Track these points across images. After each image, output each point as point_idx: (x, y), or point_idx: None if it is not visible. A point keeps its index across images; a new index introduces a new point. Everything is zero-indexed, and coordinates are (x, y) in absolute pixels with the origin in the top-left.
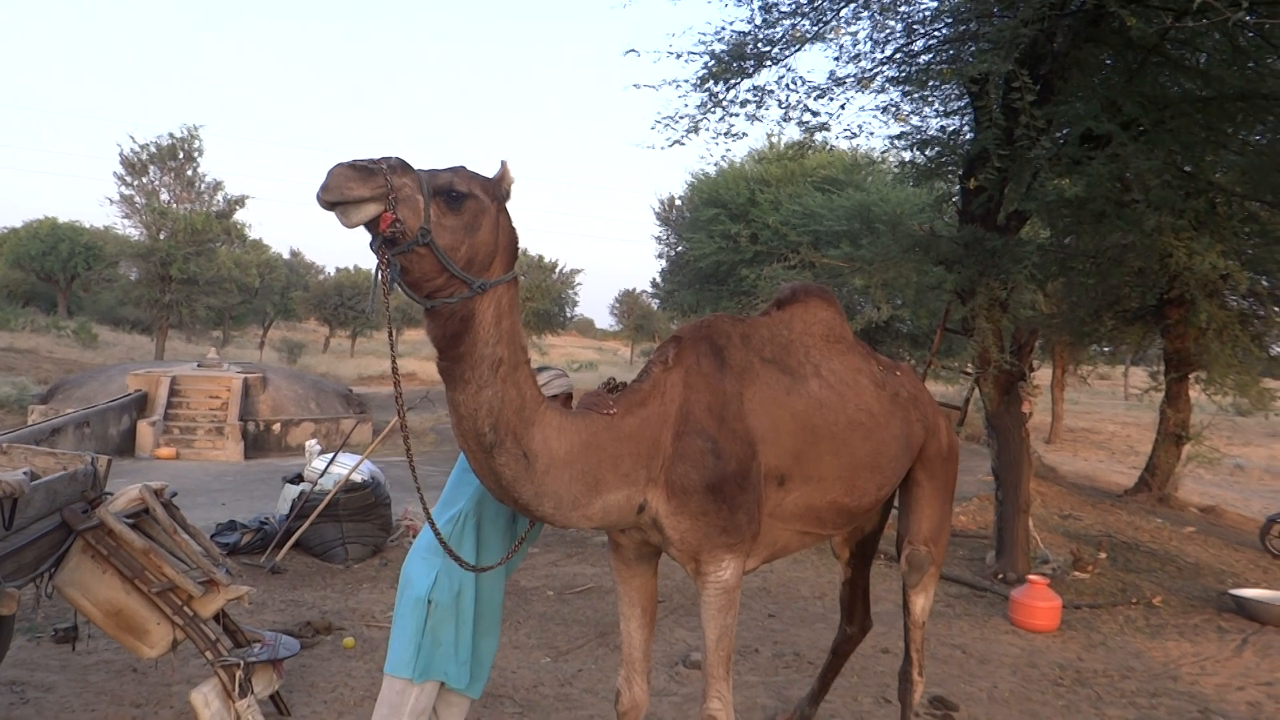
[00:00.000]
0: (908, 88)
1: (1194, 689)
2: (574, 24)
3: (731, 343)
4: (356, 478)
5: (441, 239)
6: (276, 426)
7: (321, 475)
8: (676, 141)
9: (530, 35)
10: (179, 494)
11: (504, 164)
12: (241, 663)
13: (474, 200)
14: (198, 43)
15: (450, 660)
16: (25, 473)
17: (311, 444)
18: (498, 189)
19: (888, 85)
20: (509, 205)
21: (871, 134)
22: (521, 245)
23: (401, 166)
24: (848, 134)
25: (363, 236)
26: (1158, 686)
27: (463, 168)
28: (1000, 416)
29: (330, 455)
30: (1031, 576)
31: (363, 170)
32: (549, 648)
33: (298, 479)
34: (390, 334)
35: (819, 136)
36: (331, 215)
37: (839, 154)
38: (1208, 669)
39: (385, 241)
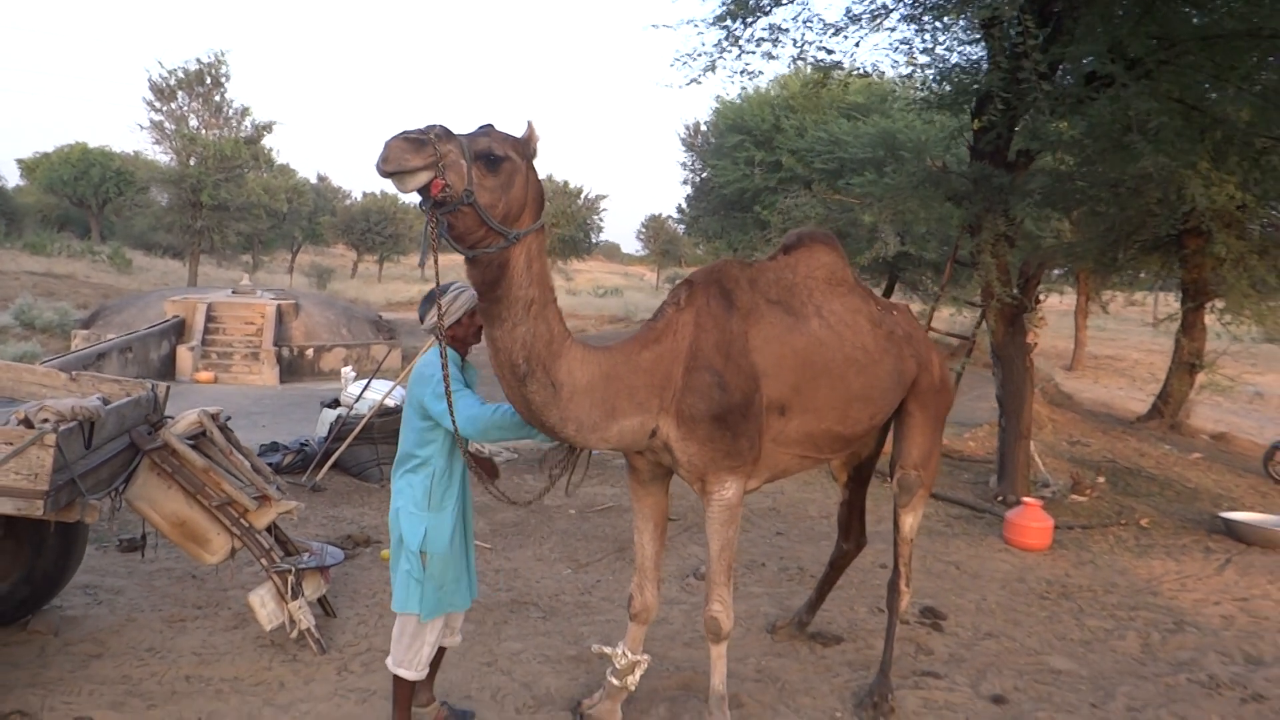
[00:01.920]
0: (918, 26)
1: (1172, 603)
2: None
3: (739, 286)
4: (389, 402)
5: (482, 198)
6: (309, 352)
7: (356, 400)
8: (694, 80)
9: None
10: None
11: (530, 124)
12: (293, 569)
13: (509, 162)
14: None
15: (454, 594)
16: (99, 398)
17: (347, 371)
18: (526, 148)
19: (900, 23)
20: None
21: (883, 74)
22: (547, 172)
23: (446, 135)
24: (860, 72)
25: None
26: (1138, 600)
27: (493, 128)
28: (1005, 346)
29: (365, 381)
30: (1026, 499)
31: (415, 142)
32: (570, 560)
33: (334, 404)
34: (437, 283)
35: (835, 75)
36: (388, 182)
37: (864, 80)
38: (1188, 585)
39: (435, 203)
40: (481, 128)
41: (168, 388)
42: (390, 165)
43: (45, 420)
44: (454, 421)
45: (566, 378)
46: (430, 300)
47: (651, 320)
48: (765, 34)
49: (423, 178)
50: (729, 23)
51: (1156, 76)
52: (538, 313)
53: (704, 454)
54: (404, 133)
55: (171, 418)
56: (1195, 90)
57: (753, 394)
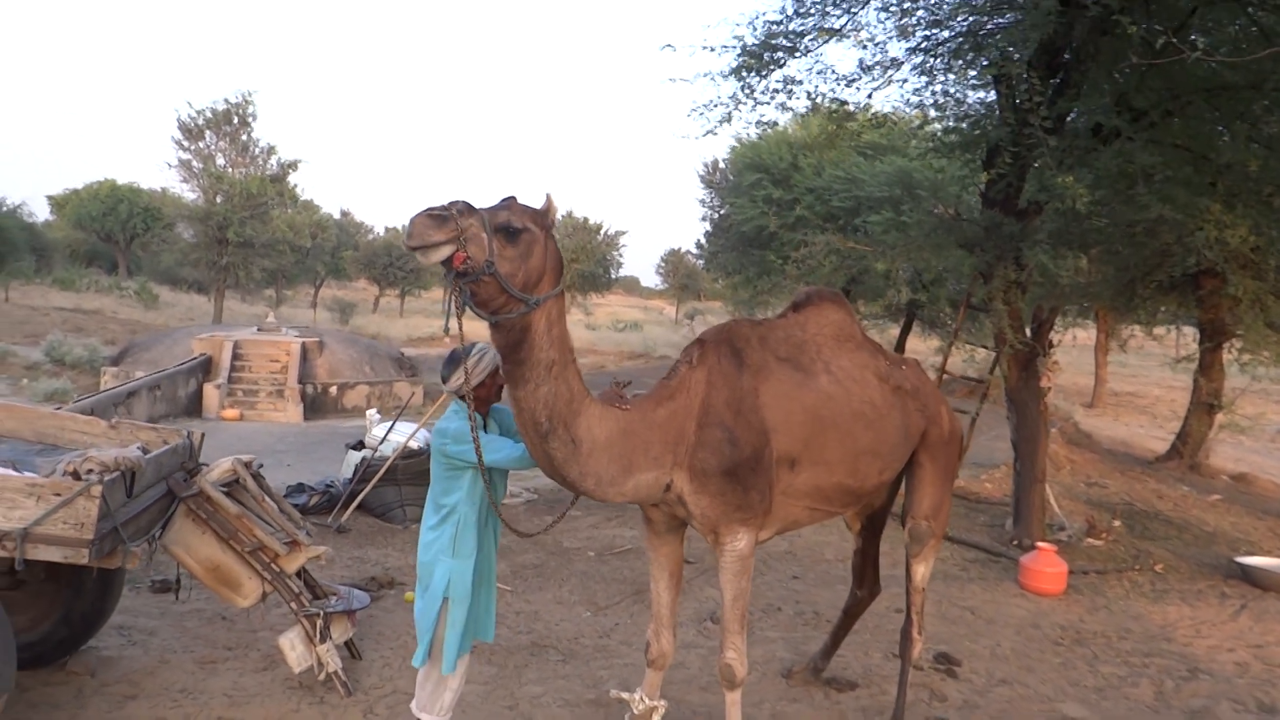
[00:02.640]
0: (929, 79)
1: (1186, 650)
2: None
3: (749, 344)
4: (413, 444)
5: (503, 268)
6: (333, 389)
7: (381, 442)
8: (710, 131)
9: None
10: (247, 453)
11: (549, 197)
12: (321, 613)
13: (528, 233)
14: (252, 12)
15: (473, 633)
16: (139, 448)
17: (372, 413)
18: (545, 219)
19: (910, 74)
20: (554, 232)
21: (898, 120)
22: (567, 208)
23: (468, 209)
24: (874, 119)
25: (414, 206)
26: (1152, 647)
27: (514, 200)
28: (1019, 391)
29: (389, 423)
30: (1040, 543)
31: (438, 218)
32: (589, 603)
33: (359, 445)
34: (462, 344)
35: (848, 125)
36: (415, 252)
37: (880, 118)
38: (1203, 632)
39: (458, 274)
40: (503, 201)
41: (203, 435)
42: (415, 240)
43: (90, 471)
44: (479, 454)
45: (586, 434)
46: (453, 362)
47: (665, 378)
48: (779, 85)
49: (445, 251)
50: (744, 75)
51: (1162, 128)
52: (558, 373)
53: (716, 507)
54: (428, 209)
55: (206, 464)
56: (1202, 139)
57: (763, 448)
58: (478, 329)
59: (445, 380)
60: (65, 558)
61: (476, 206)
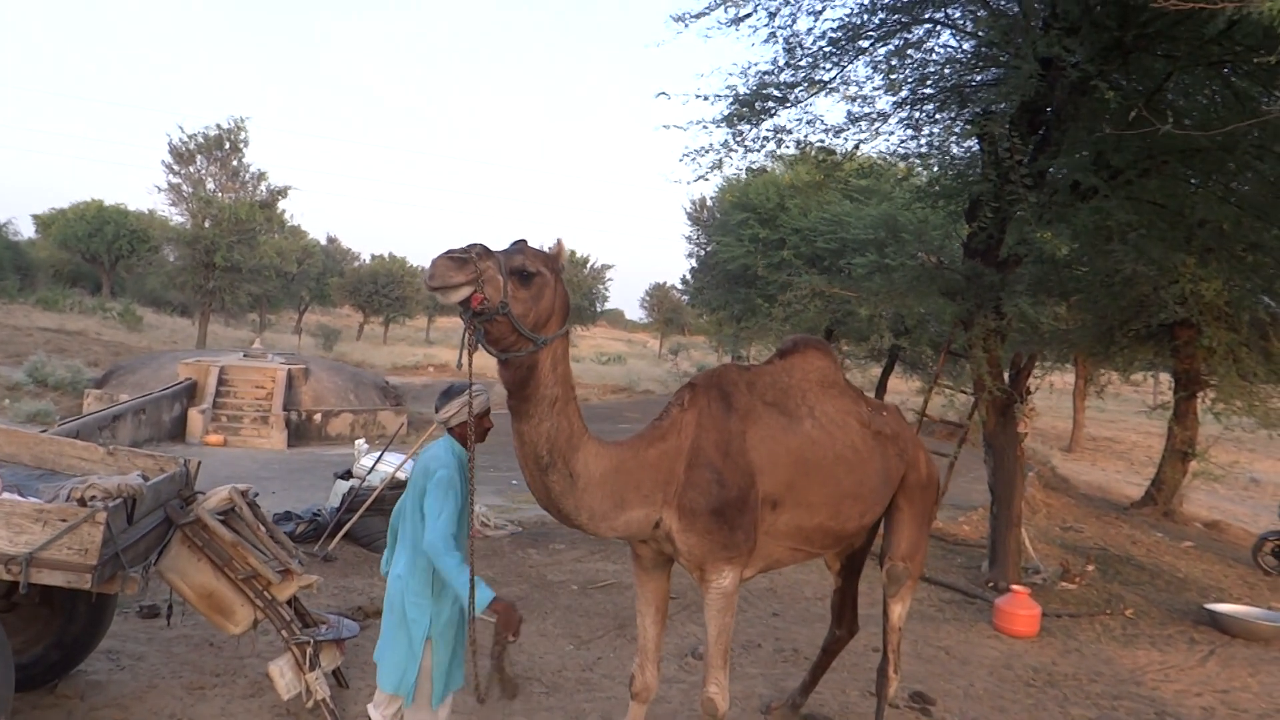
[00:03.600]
0: (914, 132)
1: (1155, 694)
2: (610, 18)
3: (738, 389)
4: (401, 475)
5: (515, 309)
6: (317, 417)
7: (369, 472)
8: (701, 177)
9: (570, 32)
10: (231, 480)
11: (559, 242)
12: (312, 641)
13: (540, 276)
14: (243, 37)
15: (457, 671)
16: (139, 475)
17: (360, 443)
18: (555, 263)
19: (897, 127)
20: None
21: (881, 171)
22: (555, 239)
23: (486, 253)
24: (860, 172)
25: (401, 232)
26: (1121, 690)
27: (526, 244)
28: (997, 436)
29: (378, 453)
30: (1015, 586)
31: (458, 260)
32: (573, 637)
33: (347, 475)
34: (470, 386)
35: (834, 175)
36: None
37: (866, 166)
38: (1171, 676)
39: (475, 314)
40: (515, 244)
41: (199, 464)
42: (436, 281)
43: (94, 498)
44: (427, 531)
45: (583, 469)
46: (448, 395)
47: (657, 419)
48: (770, 133)
49: (464, 292)
50: (736, 123)
51: (1138, 185)
52: (561, 409)
53: (703, 545)
54: (449, 252)
55: (201, 492)
56: (1177, 197)
57: (749, 489)
58: (484, 365)
59: (437, 411)
60: (69, 582)
61: (494, 250)
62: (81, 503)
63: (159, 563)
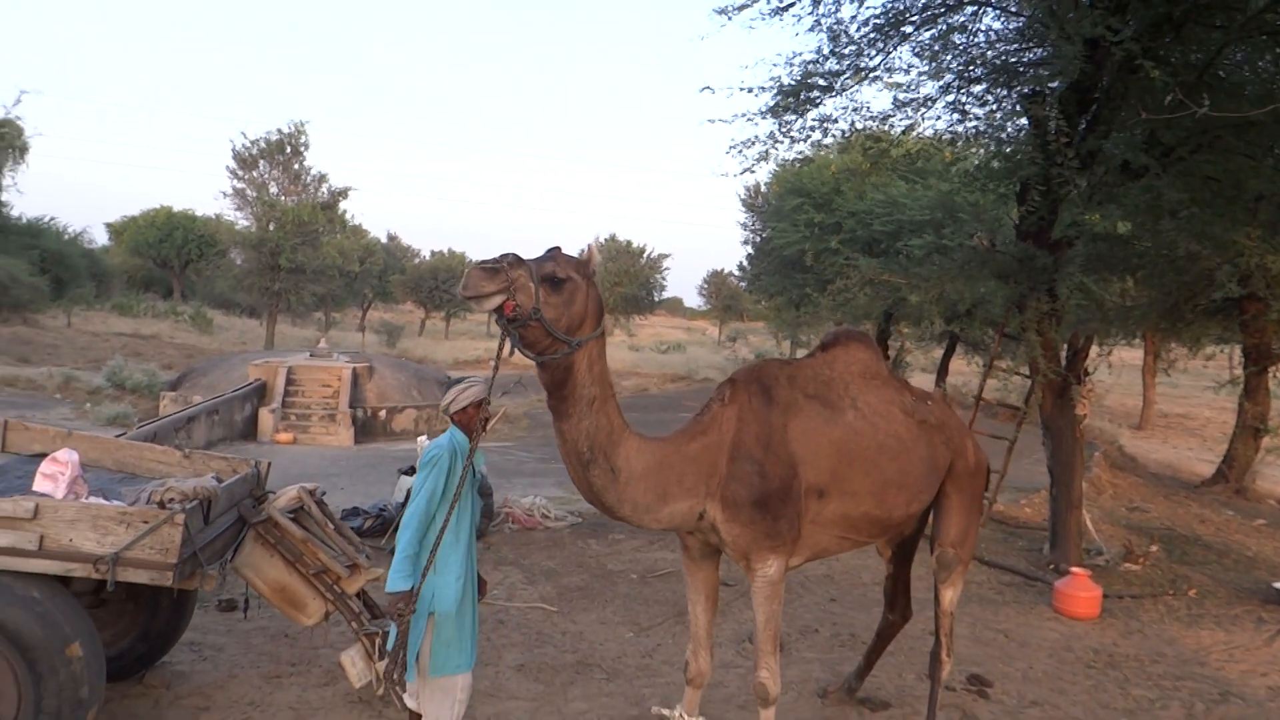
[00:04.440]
0: (961, 115)
1: (1219, 674)
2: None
3: (779, 383)
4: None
5: (548, 313)
6: (382, 413)
7: None
8: (748, 169)
9: (626, 25)
10: (302, 478)
11: (590, 247)
12: (380, 631)
13: (571, 282)
14: (301, 41)
15: (461, 652)
16: (214, 477)
17: (422, 439)
18: (586, 268)
19: (944, 111)
20: (595, 279)
21: (932, 153)
22: (611, 231)
23: (517, 261)
24: (908, 159)
25: (461, 227)
26: (1184, 671)
27: (559, 251)
28: (1054, 419)
29: None
30: (1075, 568)
31: (490, 271)
32: (632, 624)
33: (411, 470)
34: (491, 385)
35: (882, 161)
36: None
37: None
38: (1236, 656)
39: (509, 320)
40: (549, 252)
41: (269, 464)
42: (469, 291)
43: (173, 500)
44: (408, 506)
45: (624, 464)
46: (449, 386)
47: (699, 414)
48: (815, 123)
49: (497, 300)
50: (781, 114)
51: (1191, 162)
52: (599, 408)
53: (747, 535)
54: (481, 262)
55: (272, 492)
56: (1233, 172)
57: (791, 480)
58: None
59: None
60: (152, 580)
61: (525, 259)
62: (161, 505)
63: (234, 559)
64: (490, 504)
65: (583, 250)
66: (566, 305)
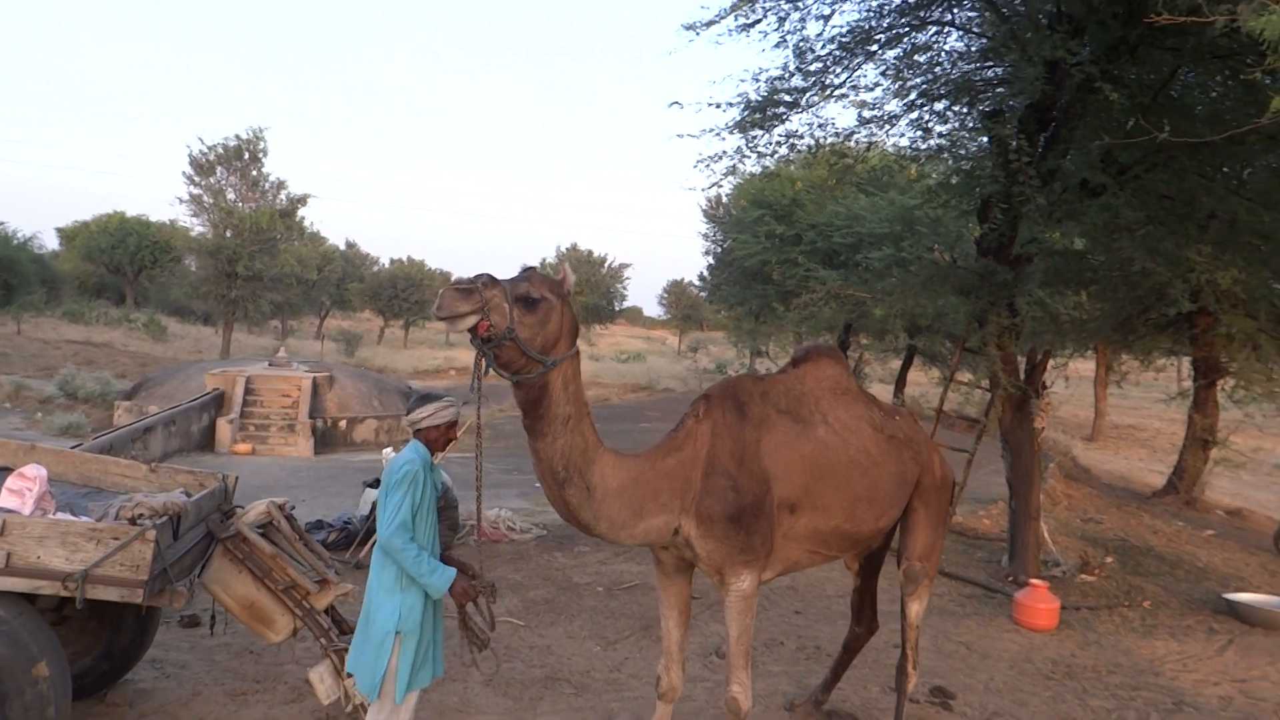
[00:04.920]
0: (924, 132)
1: (1173, 684)
2: (628, 20)
3: (752, 398)
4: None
5: (522, 333)
6: (343, 424)
7: None
8: (715, 185)
9: (587, 34)
10: (261, 490)
11: (565, 266)
12: (349, 647)
13: (545, 302)
14: (260, 46)
15: (426, 669)
16: (183, 492)
17: (388, 451)
18: (561, 289)
19: (907, 129)
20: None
21: (892, 175)
22: (572, 241)
23: (492, 282)
24: (873, 175)
25: (420, 235)
26: (1140, 681)
27: (534, 272)
28: (1013, 432)
29: None
30: (1033, 580)
31: (464, 291)
32: (599, 638)
33: (375, 483)
34: (478, 410)
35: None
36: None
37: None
38: (1189, 666)
39: (483, 340)
40: (523, 271)
41: (236, 478)
42: (444, 312)
43: (143, 516)
44: (380, 526)
45: (600, 482)
46: (421, 400)
47: (673, 430)
48: (782, 138)
49: (471, 320)
50: (748, 129)
51: (1147, 180)
52: (574, 426)
53: (721, 550)
54: (456, 282)
55: (240, 506)
56: (1187, 191)
57: (764, 495)
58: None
59: (408, 414)
60: (122, 597)
61: (500, 279)
62: (131, 521)
63: (202, 575)
64: (456, 518)
65: (557, 270)
66: (541, 325)
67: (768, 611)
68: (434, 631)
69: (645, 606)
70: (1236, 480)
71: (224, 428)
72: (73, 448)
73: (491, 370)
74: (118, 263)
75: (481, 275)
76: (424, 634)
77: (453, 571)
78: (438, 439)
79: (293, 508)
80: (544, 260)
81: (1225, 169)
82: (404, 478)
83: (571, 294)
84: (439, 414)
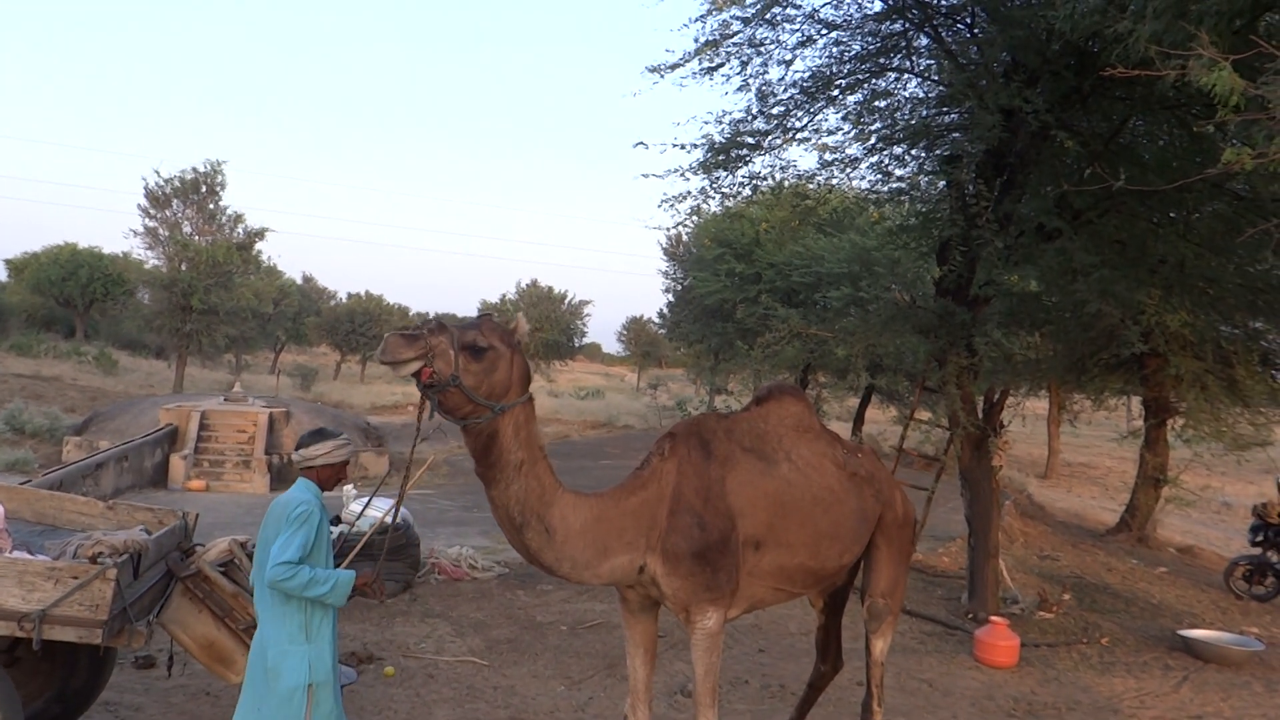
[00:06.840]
0: (883, 176)
1: None
2: (591, 52)
3: (716, 436)
4: (388, 520)
5: (467, 380)
6: None
7: (358, 517)
8: (680, 224)
9: (551, 71)
10: (215, 527)
11: (519, 316)
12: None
13: (493, 350)
14: (219, 79)
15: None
16: (142, 529)
17: (348, 488)
18: (512, 338)
19: (868, 171)
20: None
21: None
22: (532, 277)
23: (439, 328)
24: (833, 217)
25: (378, 270)
26: (1099, 718)
27: (487, 319)
28: (972, 470)
29: (366, 498)
30: (993, 617)
31: (408, 337)
32: (564, 677)
33: (336, 520)
34: (414, 445)
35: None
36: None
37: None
38: (1147, 702)
39: (426, 385)
40: (476, 319)
41: (197, 515)
42: (387, 356)
43: (103, 554)
44: (270, 563)
45: (560, 523)
46: (315, 436)
47: (638, 469)
48: (745, 180)
49: (414, 366)
50: (712, 170)
51: (1099, 225)
52: (528, 471)
53: (687, 587)
54: (401, 329)
55: (200, 544)
56: (1137, 236)
57: (729, 532)
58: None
59: (298, 449)
60: (80, 637)
61: (448, 325)
62: (92, 559)
63: (161, 614)
64: (417, 556)
65: (510, 320)
66: (487, 373)
67: (731, 649)
68: (337, 679)
69: (610, 645)
70: (1186, 518)
71: (177, 464)
72: (22, 484)
73: (435, 414)
74: (68, 295)
75: (429, 321)
76: (335, 681)
77: (350, 572)
78: (329, 478)
79: (254, 546)
80: (504, 296)
81: (1174, 215)
82: (299, 518)
83: (523, 343)
84: (335, 453)
